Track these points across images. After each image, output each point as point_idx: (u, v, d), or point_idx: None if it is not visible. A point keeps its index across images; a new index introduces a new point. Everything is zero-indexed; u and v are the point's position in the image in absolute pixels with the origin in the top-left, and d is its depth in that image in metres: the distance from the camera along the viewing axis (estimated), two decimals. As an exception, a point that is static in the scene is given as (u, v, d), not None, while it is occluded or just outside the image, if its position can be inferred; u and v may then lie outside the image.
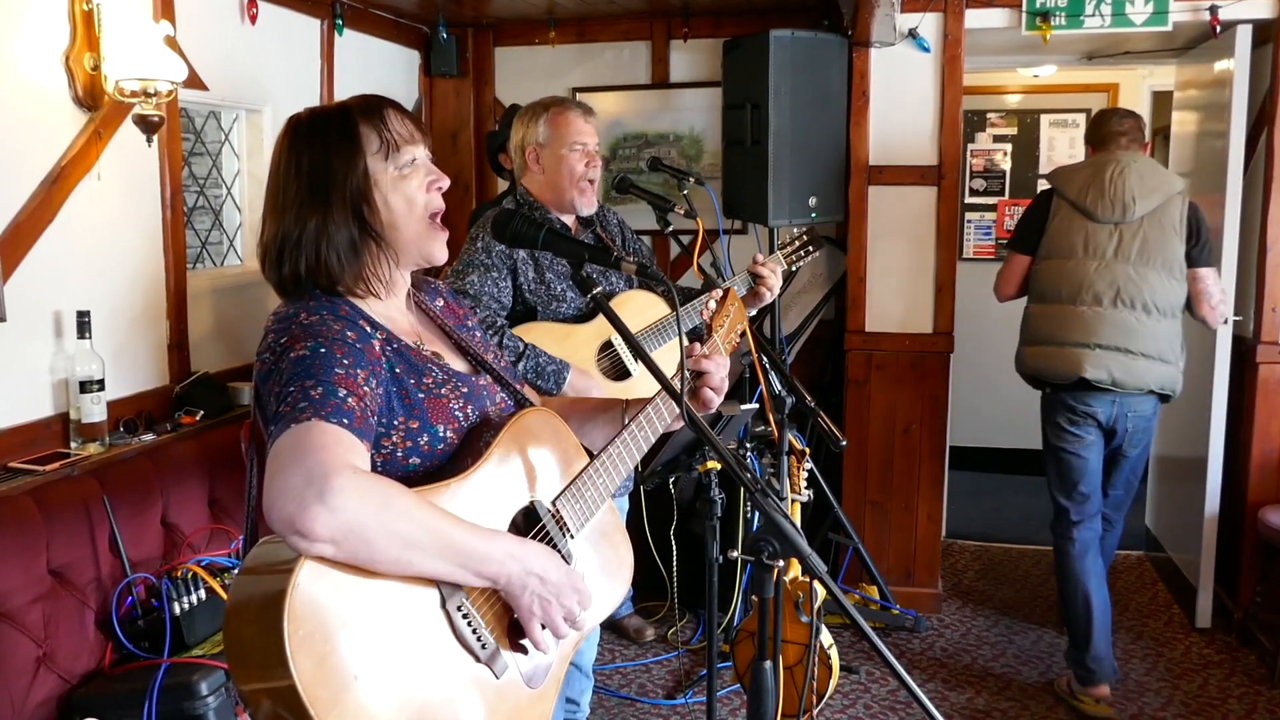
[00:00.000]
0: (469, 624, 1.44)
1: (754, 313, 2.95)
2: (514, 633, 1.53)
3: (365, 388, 1.44)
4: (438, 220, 1.64)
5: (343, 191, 1.55)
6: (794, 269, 3.13)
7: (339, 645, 1.29)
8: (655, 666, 4.05)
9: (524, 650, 1.54)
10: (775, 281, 2.92)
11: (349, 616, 1.31)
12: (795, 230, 3.24)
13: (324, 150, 1.56)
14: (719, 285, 2.65)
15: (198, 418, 3.28)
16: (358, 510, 1.28)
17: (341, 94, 4.22)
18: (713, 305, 1.98)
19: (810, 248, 3.15)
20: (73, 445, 2.94)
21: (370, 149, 1.57)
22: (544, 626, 1.52)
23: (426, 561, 1.37)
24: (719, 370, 1.84)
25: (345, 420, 1.37)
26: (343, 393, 1.39)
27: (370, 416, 1.44)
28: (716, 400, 1.82)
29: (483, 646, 1.46)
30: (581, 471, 1.69)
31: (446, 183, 1.64)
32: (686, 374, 1.74)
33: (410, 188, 1.60)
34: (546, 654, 1.56)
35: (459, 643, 1.44)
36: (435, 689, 1.39)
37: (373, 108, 1.60)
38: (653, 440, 1.80)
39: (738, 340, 2.02)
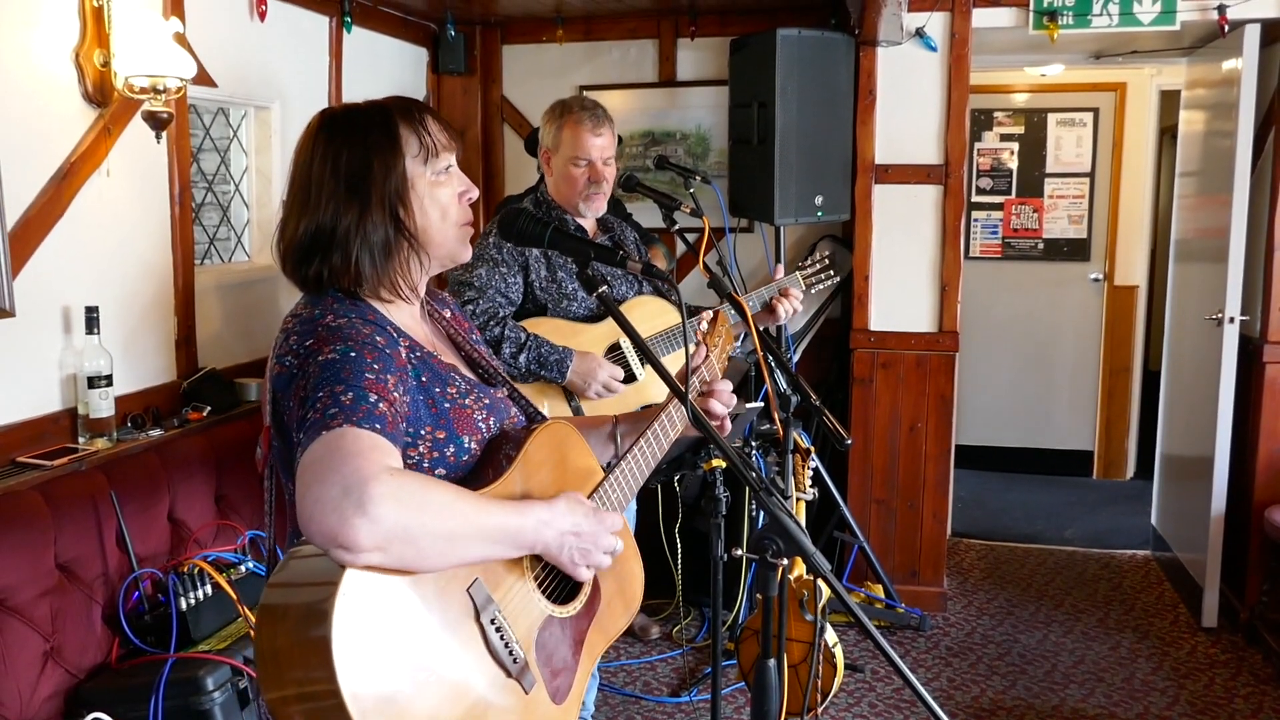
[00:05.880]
0: (501, 637, 1.43)
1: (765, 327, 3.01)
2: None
3: (395, 393, 1.41)
4: (467, 229, 1.64)
5: (382, 191, 1.53)
6: (812, 291, 3.17)
7: (383, 655, 1.27)
8: (660, 664, 4.06)
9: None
10: (795, 304, 2.97)
11: (392, 627, 1.30)
12: (818, 254, 3.27)
13: (364, 148, 1.54)
14: (726, 288, 2.65)
15: (205, 413, 3.29)
16: (399, 515, 1.25)
17: (350, 91, 4.23)
18: (704, 326, 2.05)
19: (831, 272, 3.18)
20: (80, 440, 2.95)
21: (410, 152, 1.55)
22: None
23: (471, 549, 1.37)
24: (725, 389, 1.92)
25: (378, 425, 1.33)
26: (374, 398, 1.36)
27: (400, 423, 1.41)
28: (723, 411, 1.90)
29: (514, 660, 1.45)
30: (601, 481, 1.70)
31: (476, 194, 1.64)
32: (694, 377, 1.76)
33: (445, 195, 1.59)
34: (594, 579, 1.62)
35: (491, 656, 1.43)
36: (470, 702, 1.39)
37: (411, 111, 1.59)
38: (662, 453, 1.83)
39: (725, 364, 2.08)
